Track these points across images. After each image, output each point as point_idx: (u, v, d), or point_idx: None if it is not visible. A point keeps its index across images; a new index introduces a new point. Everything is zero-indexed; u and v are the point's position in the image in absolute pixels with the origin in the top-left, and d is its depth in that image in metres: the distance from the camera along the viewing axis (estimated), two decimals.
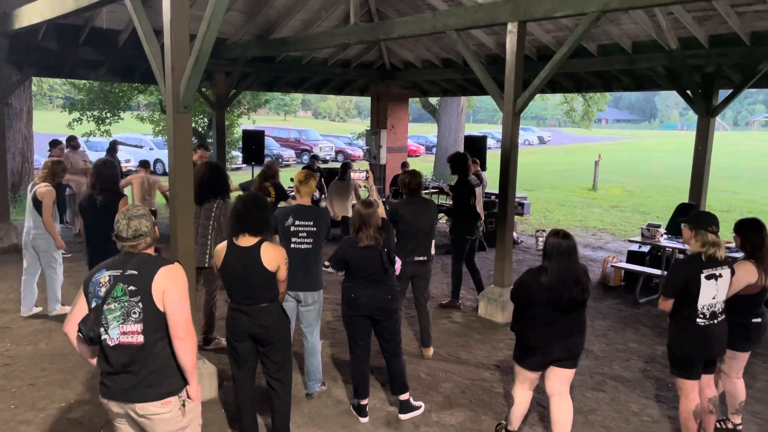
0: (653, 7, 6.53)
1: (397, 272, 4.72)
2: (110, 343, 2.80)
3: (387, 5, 10.77)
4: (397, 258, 4.67)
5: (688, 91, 8.83)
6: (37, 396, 4.81)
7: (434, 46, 11.76)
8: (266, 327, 3.84)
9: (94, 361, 2.95)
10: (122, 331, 2.79)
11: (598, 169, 21.06)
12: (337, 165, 9.98)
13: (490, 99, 7.57)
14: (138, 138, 24.24)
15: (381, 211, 4.72)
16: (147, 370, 2.82)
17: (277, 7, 10.17)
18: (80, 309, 2.88)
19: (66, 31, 9.61)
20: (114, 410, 2.91)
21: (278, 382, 4.00)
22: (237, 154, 20.18)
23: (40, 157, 10.48)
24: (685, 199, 9.19)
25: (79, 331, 2.79)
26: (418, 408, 4.71)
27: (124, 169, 15.02)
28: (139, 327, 2.79)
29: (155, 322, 2.81)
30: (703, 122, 8.76)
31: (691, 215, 4.30)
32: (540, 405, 4.74)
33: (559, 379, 4.03)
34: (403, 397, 4.67)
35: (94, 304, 2.82)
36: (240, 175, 20.10)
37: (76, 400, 4.75)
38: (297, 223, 4.61)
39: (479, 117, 73.32)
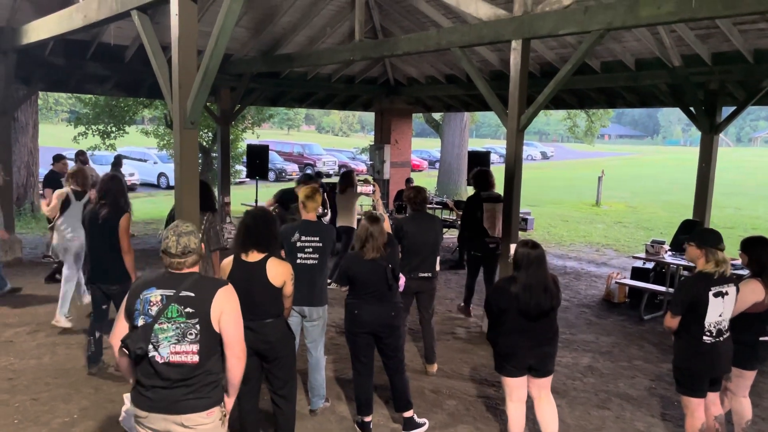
0: (656, 25, 6.58)
1: (401, 288, 4.72)
2: (159, 360, 2.81)
3: (391, 22, 10.86)
4: (401, 274, 4.67)
5: (692, 108, 8.85)
6: (41, 411, 4.79)
7: (438, 62, 11.84)
8: (271, 343, 3.84)
9: (132, 379, 2.96)
10: (174, 351, 2.80)
11: (601, 184, 21.06)
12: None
13: (493, 114, 7.63)
14: (142, 152, 24.35)
15: (386, 225, 4.74)
16: (200, 383, 2.85)
17: (282, 23, 10.27)
18: (124, 323, 2.90)
19: (73, 46, 9.70)
20: (152, 425, 2.88)
21: (282, 398, 3.99)
22: (241, 169, 20.26)
23: (45, 170, 10.50)
24: (689, 216, 9.18)
25: (125, 346, 2.79)
26: (422, 425, 4.68)
27: (128, 183, 15.11)
28: (195, 347, 2.81)
29: (211, 343, 2.85)
30: (707, 139, 8.77)
31: (695, 233, 4.29)
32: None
33: (537, 386, 4.18)
34: (407, 414, 4.64)
35: (142, 322, 2.82)
36: (244, 189, 20.19)
37: (80, 416, 4.73)
38: (303, 238, 4.62)
39: (482, 132, 73.55)
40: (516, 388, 4.14)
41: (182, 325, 2.81)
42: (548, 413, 4.19)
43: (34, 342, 6.22)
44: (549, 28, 5.97)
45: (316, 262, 4.64)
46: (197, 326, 2.81)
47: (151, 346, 2.79)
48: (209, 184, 6.13)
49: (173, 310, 2.81)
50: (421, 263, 5.59)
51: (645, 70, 9.02)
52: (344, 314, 4.57)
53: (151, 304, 2.82)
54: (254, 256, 3.80)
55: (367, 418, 4.60)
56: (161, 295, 2.83)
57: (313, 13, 10.12)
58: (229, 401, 3.04)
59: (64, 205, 6.55)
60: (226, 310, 2.86)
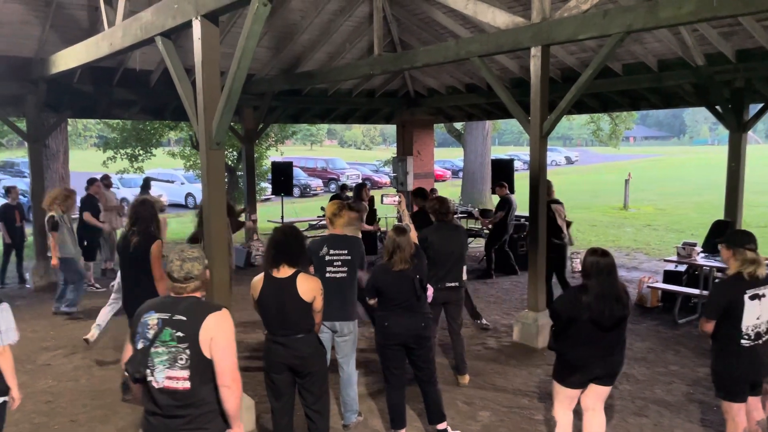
0: (677, 25, 6.51)
1: (429, 299, 4.71)
2: (155, 385, 2.81)
3: (410, 35, 10.92)
4: (428, 285, 4.66)
5: (718, 107, 8.73)
6: None
7: (457, 72, 11.85)
8: (303, 358, 3.86)
9: None
10: (168, 376, 2.79)
11: (628, 187, 20.78)
12: None
13: (516, 121, 7.69)
14: (170, 173, 24.75)
15: (413, 236, 4.74)
16: (194, 414, 2.81)
17: (302, 41, 10.40)
18: (130, 347, 2.94)
19: (100, 73, 9.94)
20: None
21: (316, 413, 4.00)
22: (267, 186, 20.48)
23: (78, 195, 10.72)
24: (720, 216, 9.01)
25: (126, 370, 2.83)
26: None
27: None
28: (185, 373, 2.78)
29: (202, 369, 2.80)
30: (735, 138, 8.63)
31: (727, 234, 4.23)
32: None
33: (595, 395, 4.03)
34: (441, 426, 4.62)
35: (141, 345, 2.84)
36: (270, 206, 20.37)
37: None
38: (331, 252, 4.65)
39: (505, 139, 73.22)
40: (572, 399, 4.04)
41: (173, 349, 2.78)
42: (598, 426, 4.07)
43: (71, 364, 6.34)
44: (568, 33, 5.95)
45: (346, 275, 4.66)
46: (187, 351, 2.78)
47: (148, 371, 2.80)
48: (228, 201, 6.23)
49: (167, 334, 2.79)
50: (447, 273, 5.57)
51: (668, 70, 8.92)
52: (374, 327, 4.57)
53: (149, 327, 2.83)
54: (284, 272, 3.84)
55: None
56: (158, 318, 2.84)
57: (331, 29, 10.23)
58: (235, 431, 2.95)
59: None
60: (216, 336, 2.80)
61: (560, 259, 8.09)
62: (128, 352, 2.95)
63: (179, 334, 2.79)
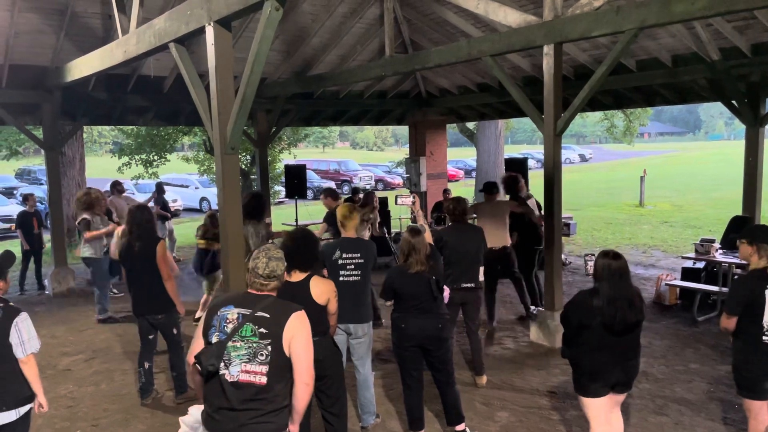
0: (691, 20, 6.45)
1: (446, 300, 4.70)
2: (229, 378, 2.84)
3: (421, 35, 10.91)
4: (444, 286, 4.64)
5: (734, 102, 8.63)
6: None
7: (469, 72, 11.82)
8: (319, 361, 3.83)
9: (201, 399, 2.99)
10: (244, 370, 2.83)
11: (643, 184, 20.60)
12: (379, 194, 10.22)
13: (529, 119, 7.62)
14: (184, 178, 24.94)
15: (428, 237, 4.73)
16: (267, 408, 2.85)
17: (313, 44, 10.43)
18: (201, 340, 2.95)
19: (115, 80, 10.03)
20: None
21: (334, 416, 4.00)
22: (280, 189, 20.57)
23: None
24: (738, 212, 8.92)
25: (198, 362, 2.83)
26: None
27: (172, 208, 15.44)
28: (264, 369, 2.83)
29: (280, 366, 2.85)
30: (752, 132, 8.54)
31: (747, 230, 4.17)
32: None
33: (613, 402, 3.95)
34: (460, 427, 4.61)
35: (216, 339, 2.87)
36: (283, 209, 20.45)
37: None
38: (344, 256, 4.64)
39: (518, 138, 72.89)
40: (601, 410, 3.86)
41: (254, 345, 2.83)
42: (616, 426, 4.01)
43: (91, 369, 6.40)
44: (581, 30, 5.91)
45: (359, 278, 4.65)
46: (269, 347, 2.83)
47: (222, 364, 2.83)
48: (262, 195, 6.70)
49: (248, 329, 2.84)
50: (462, 274, 5.54)
51: (683, 66, 8.83)
52: (391, 329, 4.57)
53: (228, 321, 2.87)
54: (297, 276, 3.84)
55: None
56: (238, 313, 2.88)
57: (342, 32, 10.25)
58: (294, 428, 3.01)
59: None
60: (297, 335, 2.86)
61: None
62: (197, 345, 2.95)
63: (262, 330, 2.84)
